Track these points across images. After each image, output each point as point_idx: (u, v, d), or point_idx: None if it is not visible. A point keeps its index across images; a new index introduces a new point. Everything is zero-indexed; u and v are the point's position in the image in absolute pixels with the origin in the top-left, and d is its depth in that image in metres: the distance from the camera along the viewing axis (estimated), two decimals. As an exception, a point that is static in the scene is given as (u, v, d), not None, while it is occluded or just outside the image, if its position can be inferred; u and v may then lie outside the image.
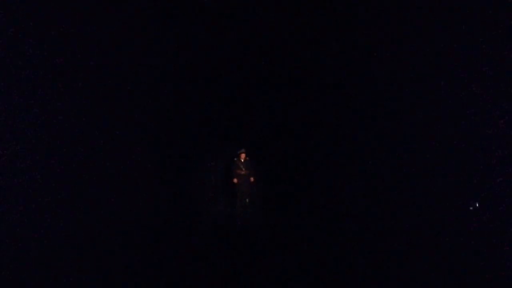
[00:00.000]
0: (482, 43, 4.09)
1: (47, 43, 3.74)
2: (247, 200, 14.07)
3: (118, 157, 5.45)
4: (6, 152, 3.08)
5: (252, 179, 14.03)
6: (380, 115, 5.91)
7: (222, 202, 14.72)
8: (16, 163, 3.21)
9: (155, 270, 6.35)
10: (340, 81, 7.36)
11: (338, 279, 6.13)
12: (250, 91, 11.06)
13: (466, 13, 4.18)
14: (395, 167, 5.61)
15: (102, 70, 4.89)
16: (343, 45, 6.99)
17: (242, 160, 13.96)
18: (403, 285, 5.21)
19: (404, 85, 5.38)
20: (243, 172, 13.93)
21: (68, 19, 4.03)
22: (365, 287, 5.78)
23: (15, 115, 3.25)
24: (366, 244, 6.24)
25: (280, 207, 12.51)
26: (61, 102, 3.91)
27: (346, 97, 7.21)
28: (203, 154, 13.73)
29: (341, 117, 7.56)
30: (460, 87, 4.28)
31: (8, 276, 3.21)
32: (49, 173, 3.72)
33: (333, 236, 7.61)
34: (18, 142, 3.19)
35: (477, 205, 4.40)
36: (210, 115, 12.38)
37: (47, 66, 3.70)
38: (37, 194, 3.56)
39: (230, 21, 7.22)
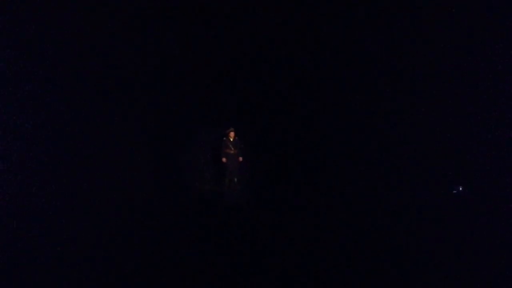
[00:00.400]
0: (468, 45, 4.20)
1: (46, 43, 3.80)
2: (235, 179, 14.14)
3: (111, 139, 5.53)
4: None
5: (240, 158, 14.07)
6: (365, 98, 6.00)
7: (210, 180, 14.73)
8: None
9: (143, 246, 6.39)
10: (327, 65, 7.40)
11: (323, 256, 6.20)
12: (241, 71, 11.04)
13: (466, 14, 4.26)
14: (381, 146, 5.72)
15: (97, 59, 4.95)
16: (328, 32, 7.03)
17: (231, 139, 13.99)
18: (385, 255, 5.34)
19: (383, 77, 5.48)
20: (231, 152, 13.95)
21: (66, 19, 4.07)
22: (350, 262, 5.85)
23: (14, 115, 3.32)
24: (352, 223, 6.35)
25: (267, 187, 12.57)
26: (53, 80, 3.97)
27: (333, 81, 7.28)
28: (192, 134, 13.73)
29: (329, 99, 7.62)
30: (447, 86, 4.39)
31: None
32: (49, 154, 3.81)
33: (320, 215, 7.70)
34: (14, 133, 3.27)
35: (461, 189, 4.55)
36: (199, 95, 12.35)
37: (44, 65, 3.76)
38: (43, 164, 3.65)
39: (228, 13, 7.25)
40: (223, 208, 10.90)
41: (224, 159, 13.97)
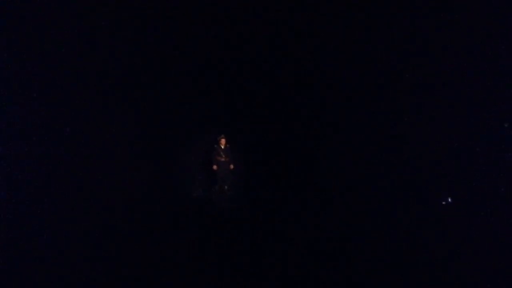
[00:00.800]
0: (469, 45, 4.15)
1: (46, 43, 3.73)
2: (226, 186, 14.03)
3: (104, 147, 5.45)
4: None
5: (231, 166, 13.96)
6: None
7: (201, 187, 14.64)
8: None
9: (135, 253, 6.32)
10: (321, 69, 7.35)
11: (313, 262, 6.13)
12: (233, 78, 10.99)
13: (465, 15, 4.23)
14: (378, 155, 5.66)
15: (95, 65, 4.90)
16: (323, 36, 6.99)
17: (222, 147, 13.89)
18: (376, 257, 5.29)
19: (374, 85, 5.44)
20: (222, 159, 13.86)
21: (66, 19, 4.02)
22: (340, 273, 5.78)
23: (13, 115, 3.26)
24: (345, 229, 6.29)
25: (258, 194, 12.52)
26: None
27: (327, 85, 7.22)
28: (183, 140, 13.64)
29: (321, 108, 7.56)
30: (444, 92, 4.36)
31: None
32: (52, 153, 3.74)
33: (311, 222, 7.64)
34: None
35: (450, 200, 4.50)
36: (190, 101, 12.30)
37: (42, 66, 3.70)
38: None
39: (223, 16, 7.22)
40: (212, 215, 10.84)
41: (215, 167, 13.89)
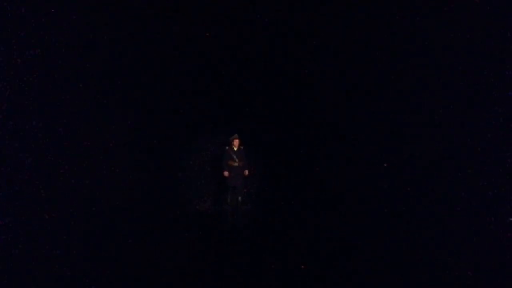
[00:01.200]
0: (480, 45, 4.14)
1: (46, 43, 3.81)
2: (240, 197, 11.79)
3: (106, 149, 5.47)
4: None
5: (246, 172, 11.65)
6: (379, 111, 5.90)
7: (210, 199, 13.08)
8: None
9: (140, 268, 6.21)
10: (335, 73, 7.32)
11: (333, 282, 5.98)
12: (246, 78, 10.81)
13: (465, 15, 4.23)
14: (392, 160, 5.64)
15: (101, 66, 4.96)
16: (335, 40, 6.98)
17: (235, 149, 11.74)
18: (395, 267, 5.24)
19: (402, 85, 5.43)
20: (235, 164, 11.60)
21: (66, 19, 4.09)
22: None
23: (13, 116, 3.33)
24: (365, 248, 6.22)
25: (278, 206, 11.60)
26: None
27: (342, 90, 7.17)
28: (188, 142, 12.65)
29: (339, 111, 7.52)
30: (463, 94, 4.35)
31: None
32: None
33: (333, 239, 7.48)
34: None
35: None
36: (197, 96, 11.57)
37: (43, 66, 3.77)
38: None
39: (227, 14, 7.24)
40: (225, 232, 9.59)
41: (226, 173, 11.60)
